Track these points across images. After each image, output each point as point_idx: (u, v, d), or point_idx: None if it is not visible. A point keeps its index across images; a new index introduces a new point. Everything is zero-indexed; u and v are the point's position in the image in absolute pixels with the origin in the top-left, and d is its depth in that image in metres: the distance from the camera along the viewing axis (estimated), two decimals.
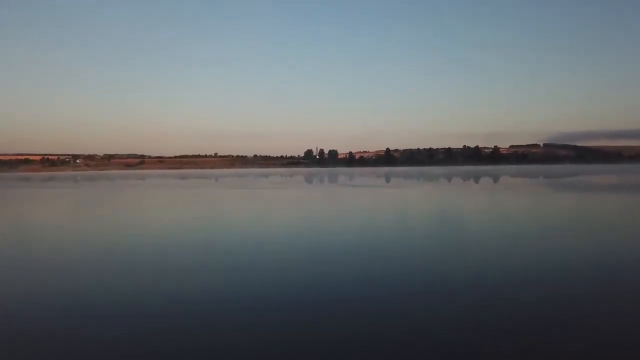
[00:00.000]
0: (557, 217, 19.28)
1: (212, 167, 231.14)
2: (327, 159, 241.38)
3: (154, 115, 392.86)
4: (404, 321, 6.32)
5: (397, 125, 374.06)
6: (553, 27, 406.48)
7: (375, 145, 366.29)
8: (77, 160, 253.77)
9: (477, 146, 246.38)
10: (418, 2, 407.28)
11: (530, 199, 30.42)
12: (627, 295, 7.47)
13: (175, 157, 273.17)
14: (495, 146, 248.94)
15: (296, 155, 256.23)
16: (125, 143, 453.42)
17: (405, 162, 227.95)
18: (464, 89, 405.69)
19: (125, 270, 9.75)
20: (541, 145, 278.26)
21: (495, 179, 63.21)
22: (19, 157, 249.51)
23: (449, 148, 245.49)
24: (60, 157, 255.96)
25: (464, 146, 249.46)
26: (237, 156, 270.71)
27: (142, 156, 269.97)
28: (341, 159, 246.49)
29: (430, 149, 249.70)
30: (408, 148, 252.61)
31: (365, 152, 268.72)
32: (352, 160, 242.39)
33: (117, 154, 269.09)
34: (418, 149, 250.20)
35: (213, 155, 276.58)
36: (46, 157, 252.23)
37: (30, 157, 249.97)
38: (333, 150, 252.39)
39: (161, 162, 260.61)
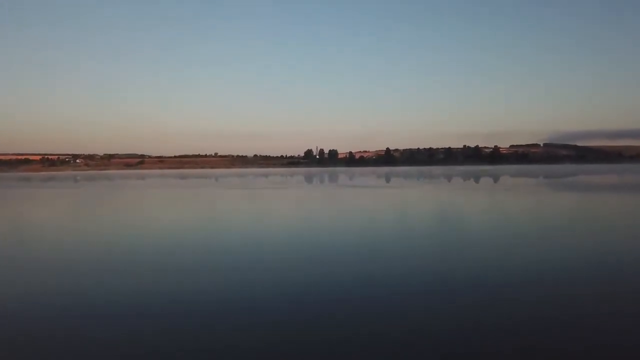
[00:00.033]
0: (557, 217, 19.28)
1: (212, 167, 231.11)
2: (327, 159, 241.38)
3: (154, 115, 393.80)
4: (404, 321, 6.32)
5: (397, 125, 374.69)
6: (553, 27, 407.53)
7: (375, 145, 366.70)
8: (77, 160, 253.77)
9: (477, 146, 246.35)
10: (418, 2, 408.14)
11: (530, 198, 30.41)
12: (627, 295, 7.47)
13: (175, 157, 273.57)
14: (496, 146, 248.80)
15: (296, 155, 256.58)
16: (125, 143, 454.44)
17: (405, 162, 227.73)
18: (464, 89, 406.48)
19: (125, 270, 9.76)
20: (541, 145, 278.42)
21: (496, 178, 63.19)
22: (19, 157, 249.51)
23: (449, 148, 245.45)
24: (60, 157, 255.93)
25: (464, 146, 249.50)
26: (237, 156, 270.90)
27: (142, 156, 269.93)
28: (341, 158, 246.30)
29: (430, 148, 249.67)
30: (408, 148, 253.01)
31: (365, 152, 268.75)
32: (352, 160, 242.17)
33: (117, 154, 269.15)
34: (418, 148, 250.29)
35: (213, 155, 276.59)
36: (46, 157, 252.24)
37: (30, 157, 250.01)
38: (333, 150, 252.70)
39: (161, 162, 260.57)
